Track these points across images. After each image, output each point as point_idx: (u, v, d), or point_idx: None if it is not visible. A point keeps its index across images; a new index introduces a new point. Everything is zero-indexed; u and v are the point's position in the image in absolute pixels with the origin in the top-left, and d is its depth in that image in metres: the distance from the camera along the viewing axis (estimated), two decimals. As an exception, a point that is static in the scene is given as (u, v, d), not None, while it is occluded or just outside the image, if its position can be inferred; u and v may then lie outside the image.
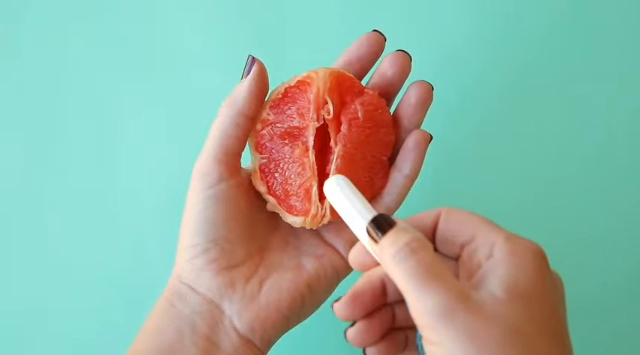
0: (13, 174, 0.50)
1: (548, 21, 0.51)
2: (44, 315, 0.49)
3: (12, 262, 0.49)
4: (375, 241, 0.30)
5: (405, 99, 0.40)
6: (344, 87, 0.39)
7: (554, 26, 0.51)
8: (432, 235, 0.32)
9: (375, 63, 0.40)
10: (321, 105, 0.38)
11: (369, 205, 0.32)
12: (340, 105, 0.38)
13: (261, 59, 0.38)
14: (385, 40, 0.40)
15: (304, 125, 0.39)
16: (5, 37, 0.51)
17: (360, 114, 0.38)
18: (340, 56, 0.40)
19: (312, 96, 0.38)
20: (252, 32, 0.51)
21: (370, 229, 0.31)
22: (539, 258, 0.30)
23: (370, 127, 0.39)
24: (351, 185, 0.33)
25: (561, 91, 0.51)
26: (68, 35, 0.51)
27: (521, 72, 0.51)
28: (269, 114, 0.39)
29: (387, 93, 0.40)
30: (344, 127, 0.38)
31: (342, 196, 0.32)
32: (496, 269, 0.29)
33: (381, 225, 0.30)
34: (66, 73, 0.51)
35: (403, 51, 0.40)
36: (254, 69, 0.38)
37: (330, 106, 0.38)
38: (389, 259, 0.29)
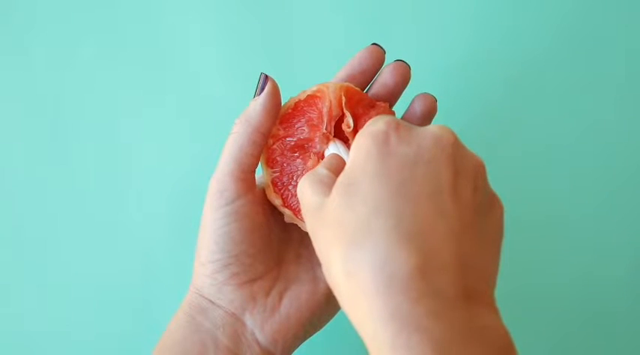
0: (20, 179, 0.50)
1: (549, 32, 0.52)
2: (47, 321, 0.49)
3: (16, 268, 0.49)
4: None
5: (411, 110, 0.41)
6: (354, 100, 0.40)
7: (555, 37, 0.52)
8: None
9: (375, 75, 0.42)
10: (334, 118, 0.39)
11: (345, 150, 0.38)
12: (354, 118, 0.39)
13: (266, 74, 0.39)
14: (385, 53, 0.41)
15: (314, 137, 0.39)
16: (14, 44, 0.51)
17: None
18: (341, 70, 0.41)
19: (325, 110, 0.39)
20: (260, 41, 0.52)
21: None
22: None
23: None
24: (342, 144, 0.39)
25: (563, 102, 0.52)
26: (76, 42, 0.51)
27: (521, 82, 0.52)
28: (279, 129, 0.40)
29: (388, 102, 0.41)
30: None
31: (334, 146, 0.38)
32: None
33: None
34: (73, 79, 0.51)
35: (402, 61, 0.41)
36: (268, 86, 0.38)
37: (350, 119, 0.39)
38: None
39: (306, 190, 0.33)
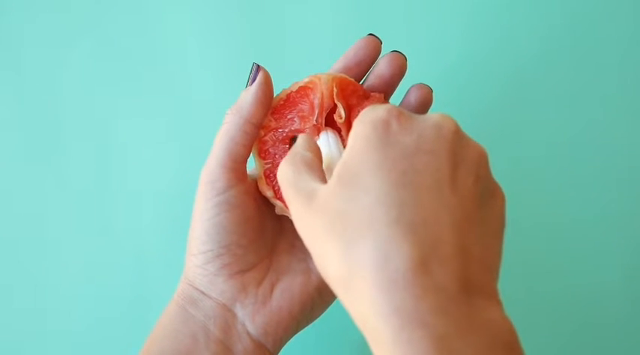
0: (14, 182, 0.50)
1: (547, 31, 0.52)
2: (44, 319, 0.49)
3: (11, 267, 0.49)
4: None
5: (406, 101, 0.41)
6: (348, 91, 0.39)
7: (552, 37, 0.52)
8: None
9: (371, 66, 0.41)
10: (325, 109, 0.39)
11: (335, 140, 0.37)
12: (348, 109, 0.39)
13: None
14: (381, 44, 0.41)
15: (304, 128, 0.39)
16: (9, 45, 0.51)
17: None
18: (337, 61, 0.41)
19: (316, 101, 0.39)
20: (250, 39, 0.52)
21: None
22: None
23: None
24: (334, 134, 0.38)
25: (560, 102, 0.51)
26: (71, 43, 0.51)
27: (519, 79, 0.52)
28: (270, 121, 0.40)
29: (384, 94, 0.41)
30: None
31: (324, 136, 0.38)
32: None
33: None
34: (65, 84, 0.51)
35: (398, 51, 0.41)
36: (259, 76, 0.38)
37: (342, 110, 0.39)
38: None
39: (293, 176, 0.32)
